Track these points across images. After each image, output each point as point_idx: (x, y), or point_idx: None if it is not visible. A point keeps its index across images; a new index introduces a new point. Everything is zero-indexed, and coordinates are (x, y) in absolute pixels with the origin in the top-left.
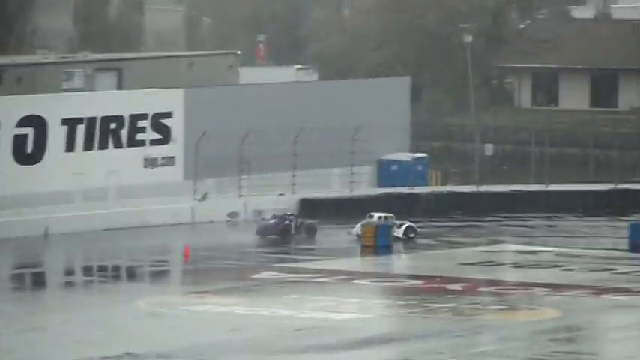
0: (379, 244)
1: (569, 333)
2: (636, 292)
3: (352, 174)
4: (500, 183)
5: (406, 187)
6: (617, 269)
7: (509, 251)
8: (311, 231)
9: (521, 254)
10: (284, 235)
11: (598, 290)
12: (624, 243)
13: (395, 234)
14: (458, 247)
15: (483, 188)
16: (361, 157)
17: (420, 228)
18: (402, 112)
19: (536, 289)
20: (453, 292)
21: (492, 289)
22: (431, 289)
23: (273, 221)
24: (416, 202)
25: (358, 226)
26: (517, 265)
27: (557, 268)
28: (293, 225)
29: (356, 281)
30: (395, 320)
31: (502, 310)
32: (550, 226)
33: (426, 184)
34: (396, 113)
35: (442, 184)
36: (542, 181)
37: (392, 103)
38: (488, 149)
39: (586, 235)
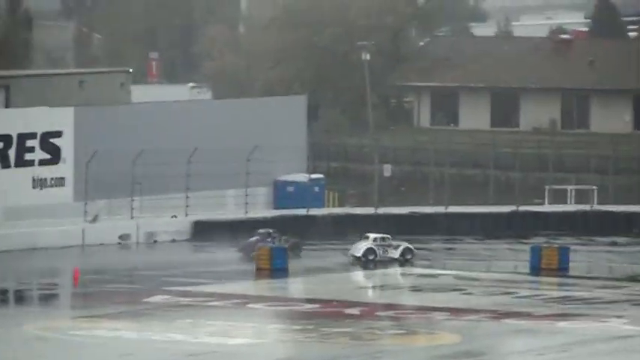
0: (275, 267)
1: (469, 358)
2: (537, 316)
3: (247, 195)
4: (399, 204)
5: (303, 209)
6: (518, 293)
7: (408, 274)
8: (295, 249)
9: (421, 277)
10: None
11: (498, 314)
12: (525, 266)
13: (390, 255)
14: (355, 270)
15: (382, 210)
16: (257, 177)
17: (315, 251)
18: (299, 132)
19: (435, 314)
20: (350, 316)
21: (391, 313)
22: (328, 313)
23: (254, 238)
24: (312, 224)
25: (355, 246)
26: (416, 289)
27: (456, 292)
28: (276, 242)
29: (250, 305)
30: (291, 345)
31: (401, 335)
32: (450, 249)
33: (322, 206)
34: (292, 133)
35: (339, 206)
36: (442, 203)
37: (288, 122)
38: (387, 170)
39: (486, 258)
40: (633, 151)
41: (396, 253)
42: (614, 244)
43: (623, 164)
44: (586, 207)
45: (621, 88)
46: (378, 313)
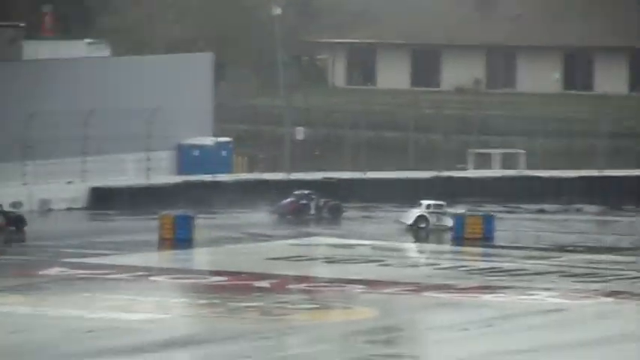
0: (179, 237)
1: (387, 334)
2: (460, 289)
3: (149, 160)
4: (312, 170)
5: (209, 174)
6: (439, 265)
7: (321, 245)
8: (335, 211)
9: (335, 248)
10: (300, 215)
11: (419, 287)
12: (448, 236)
13: (445, 223)
14: (265, 241)
15: (294, 175)
16: (159, 141)
17: (223, 220)
18: (205, 92)
19: (351, 287)
20: (260, 289)
21: (303, 286)
22: (236, 286)
23: (288, 200)
24: (219, 191)
25: (407, 213)
26: (330, 261)
27: (374, 264)
28: (313, 205)
29: (153, 278)
30: (196, 321)
31: (314, 310)
32: (367, 217)
33: (230, 171)
34: (197, 93)
35: (249, 171)
36: (359, 168)
37: (193, 82)
38: (300, 133)
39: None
40: (563, 112)
41: (450, 222)
42: (542, 211)
43: (553, 126)
44: (513, 172)
45: (550, 44)
46: (289, 287)
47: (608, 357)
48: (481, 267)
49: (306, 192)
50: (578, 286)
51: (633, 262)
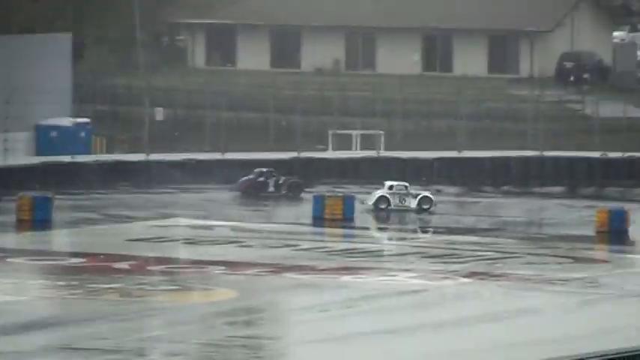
0: (37, 218)
1: (247, 316)
2: (320, 270)
3: (5, 140)
4: (172, 151)
5: (67, 156)
6: (299, 245)
7: (181, 226)
8: (295, 189)
9: (195, 229)
10: (257, 193)
11: (279, 268)
12: (308, 216)
13: (407, 204)
14: (125, 222)
15: (154, 156)
16: (16, 122)
17: (82, 201)
18: (63, 73)
19: (211, 268)
20: (119, 271)
21: (163, 267)
22: (95, 268)
23: (248, 177)
24: (78, 172)
25: (373, 194)
26: (190, 242)
27: (234, 245)
28: (272, 182)
29: (9, 260)
30: (54, 303)
31: (173, 291)
32: (227, 199)
33: (89, 152)
34: (55, 73)
35: (107, 152)
36: (219, 149)
37: (51, 62)
38: (159, 113)
39: (266, 208)
40: (422, 94)
41: (414, 202)
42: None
43: (412, 108)
44: (372, 153)
45: (409, 26)
46: (149, 268)
47: (464, 337)
48: (341, 248)
49: (265, 170)
50: (438, 267)
51: (492, 244)
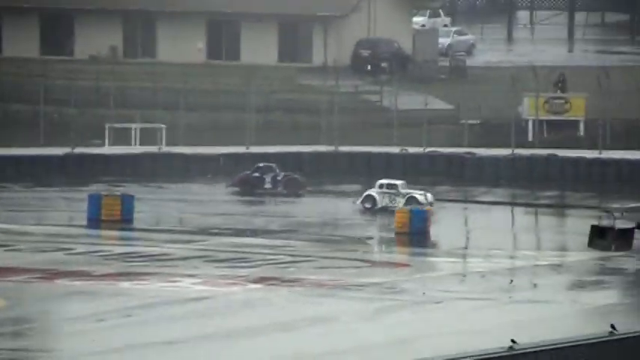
0: None
1: (15, 326)
2: (96, 276)
3: None
4: None
5: None
6: (74, 249)
7: None
8: (292, 186)
9: None
10: (252, 189)
11: (51, 274)
12: (82, 218)
13: (396, 204)
14: None
15: None
16: None
17: None
18: None
19: None
20: None
21: None
22: None
23: (246, 173)
24: None
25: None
26: None
27: (1, 248)
28: (269, 178)
29: None
30: None
31: None
32: None
33: None
34: None
35: None
36: None
37: None
38: None
39: (37, 208)
40: (207, 84)
41: (402, 202)
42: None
43: (197, 99)
44: (153, 148)
45: (193, 9)
46: None
47: (252, 349)
48: (119, 252)
49: (262, 165)
50: (225, 271)
51: (283, 246)
